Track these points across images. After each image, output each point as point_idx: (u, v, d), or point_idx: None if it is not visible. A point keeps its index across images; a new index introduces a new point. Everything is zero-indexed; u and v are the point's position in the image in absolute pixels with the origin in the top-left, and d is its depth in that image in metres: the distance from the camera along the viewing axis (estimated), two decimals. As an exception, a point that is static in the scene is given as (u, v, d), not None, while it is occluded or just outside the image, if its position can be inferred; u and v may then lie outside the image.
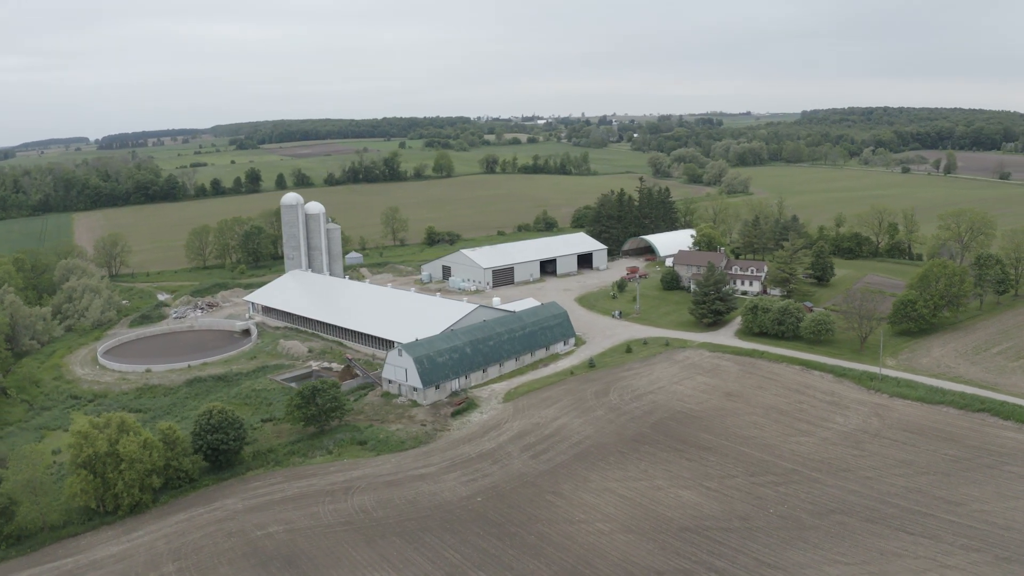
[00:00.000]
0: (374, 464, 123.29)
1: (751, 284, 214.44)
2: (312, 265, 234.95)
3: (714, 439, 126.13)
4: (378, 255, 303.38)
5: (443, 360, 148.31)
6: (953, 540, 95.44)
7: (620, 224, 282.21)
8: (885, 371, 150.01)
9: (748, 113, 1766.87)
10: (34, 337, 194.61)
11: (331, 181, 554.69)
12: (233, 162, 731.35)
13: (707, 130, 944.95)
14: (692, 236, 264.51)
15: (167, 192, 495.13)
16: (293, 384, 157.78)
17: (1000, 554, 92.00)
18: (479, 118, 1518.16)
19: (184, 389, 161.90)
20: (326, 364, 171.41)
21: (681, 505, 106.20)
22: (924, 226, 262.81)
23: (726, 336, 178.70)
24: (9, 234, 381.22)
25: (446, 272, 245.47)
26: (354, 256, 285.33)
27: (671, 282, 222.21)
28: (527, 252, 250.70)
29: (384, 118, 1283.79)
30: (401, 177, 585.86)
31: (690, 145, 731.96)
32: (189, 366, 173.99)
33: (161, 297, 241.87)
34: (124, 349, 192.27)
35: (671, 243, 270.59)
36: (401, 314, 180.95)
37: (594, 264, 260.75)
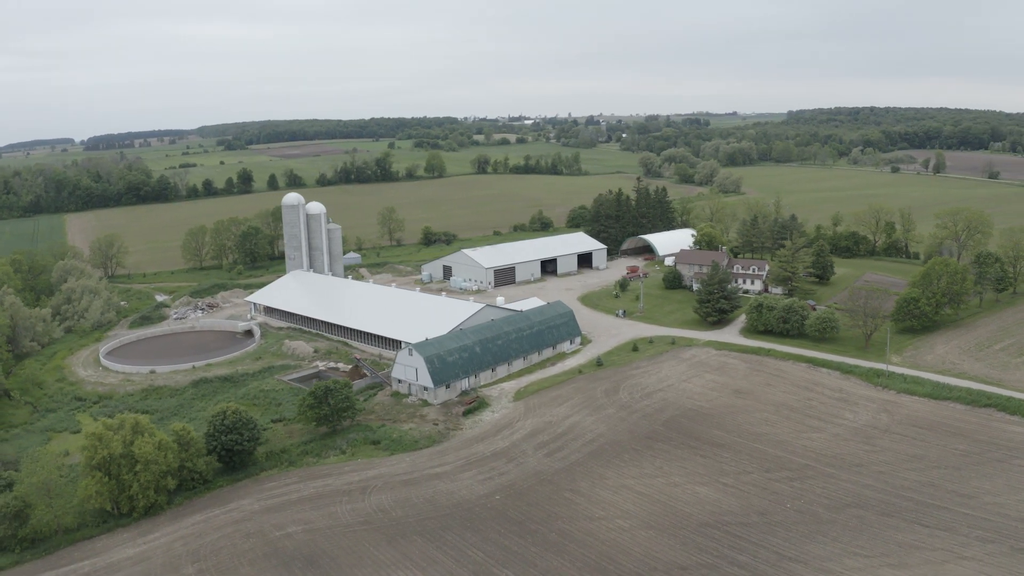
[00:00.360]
0: (389, 464, 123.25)
1: (752, 283, 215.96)
2: (313, 265, 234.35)
3: (727, 436, 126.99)
4: (375, 255, 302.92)
5: (453, 359, 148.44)
6: (968, 532, 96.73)
7: (618, 224, 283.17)
8: (892, 368, 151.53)
9: (734, 113, 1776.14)
10: (34, 339, 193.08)
11: (323, 181, 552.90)
12: (222, 163, 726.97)
13: (695, 130, 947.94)
14: (692, 236, 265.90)
15: (159, 193, 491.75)
16: (301, 384, 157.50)
17: (1016, 545, 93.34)
18: (466, 118, 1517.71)
19: (190, 390, 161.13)
20: (332, 364, 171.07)
21: (699, 501, 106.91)
22: (919, 225, 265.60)
23: (731, 334, 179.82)
24: (1, 235, 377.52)
25: (447, 272, 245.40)
26: (352, 256, 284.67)
27: (673, 281, 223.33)
28: (528, 252, 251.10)
29: (372, 118, 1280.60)
30: (393, 177, 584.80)
31: (679, 145, 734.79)
32: (194, 367, 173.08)
33: (159, 298, 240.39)
34: (126, 350, 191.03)
35: (669, 242, 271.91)
36: (407, 314, 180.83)
37: (594, 264, 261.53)
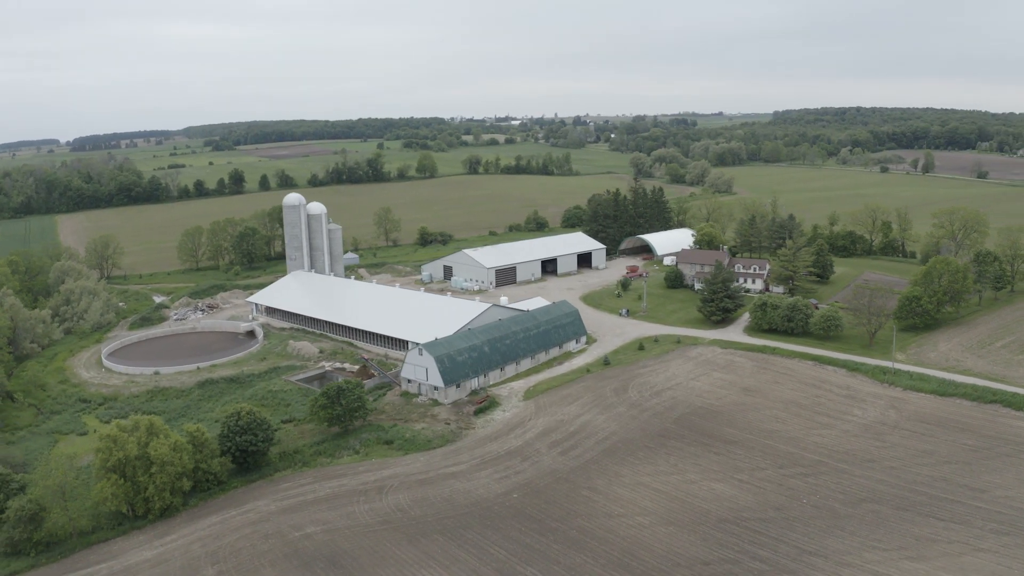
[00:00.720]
0: (403, 463, 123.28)
1: (753, 282, 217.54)
2: (314, 266, 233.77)
3: (738, 433, 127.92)
4: (372, 256, 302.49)
5: (463, 359, 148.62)
6: (983, 525, 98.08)
7: (616, 224, 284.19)
8: (897, 365, 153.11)
9: (720, 113, 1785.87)
10: (34, 340, 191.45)
11: (314, 182, 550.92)
12: (211, 163, 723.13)
13: (683, 130, 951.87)
14: (693, 235, 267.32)
15: (150, 194, 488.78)
16: (308, 385, 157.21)
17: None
18: (453, 119, 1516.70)
19: (196, 391, 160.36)
20: (338, 364, 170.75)
21: (716, 498, 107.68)
22: (914, 225, 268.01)
23: (735, 333, 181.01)
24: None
25: (447, 272, 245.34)
26: (350, 256, 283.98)
27: (675, 280, 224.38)
28: (528, 252, 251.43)
29: (360, 119, 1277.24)
30: (385, 178, 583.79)
31: (668, 145, 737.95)
32: (198, 368, 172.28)
33: (158, 299, 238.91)
34: (128, 351, 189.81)
35: (667, 242, 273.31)
36: (413, 314, 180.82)
37: (593, 263, 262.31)
